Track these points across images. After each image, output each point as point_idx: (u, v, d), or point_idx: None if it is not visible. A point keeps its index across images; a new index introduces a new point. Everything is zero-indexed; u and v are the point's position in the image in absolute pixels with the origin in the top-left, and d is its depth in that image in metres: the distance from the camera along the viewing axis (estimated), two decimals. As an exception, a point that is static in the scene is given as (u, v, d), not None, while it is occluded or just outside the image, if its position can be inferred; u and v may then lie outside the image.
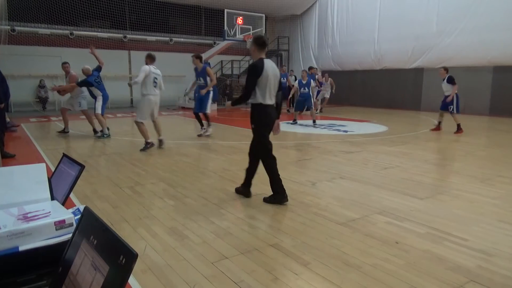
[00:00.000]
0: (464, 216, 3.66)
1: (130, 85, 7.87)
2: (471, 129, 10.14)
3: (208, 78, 8.67)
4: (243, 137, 8.72)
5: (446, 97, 9.16)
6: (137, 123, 6.94)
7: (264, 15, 16.86)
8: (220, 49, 16.37)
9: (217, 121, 11.92)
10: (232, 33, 15.58)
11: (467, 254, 2.82)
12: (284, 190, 4.04)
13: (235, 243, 3.02)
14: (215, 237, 3.14)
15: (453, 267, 2.63)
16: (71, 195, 2.11)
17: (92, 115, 8.80)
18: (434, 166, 5.77)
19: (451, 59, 13.66)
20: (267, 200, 4.08)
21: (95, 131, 8.88)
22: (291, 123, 11.17)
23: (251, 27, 16.09)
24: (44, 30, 15.11)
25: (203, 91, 8.65)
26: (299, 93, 11.27)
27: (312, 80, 13.71)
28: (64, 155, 1.71)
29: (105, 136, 8.48)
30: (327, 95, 15.15)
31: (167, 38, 18.05)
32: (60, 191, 1.57)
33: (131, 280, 2.40)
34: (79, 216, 1.07)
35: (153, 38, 17.75)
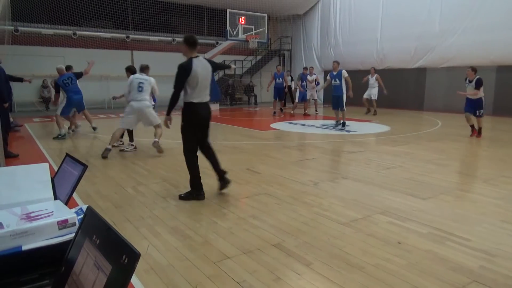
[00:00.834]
0: (467, 216, 3.64)
1: (114, 98, 7.91)
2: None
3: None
4: (245, 137, 8.72)
5: (471, 100, 8.33)
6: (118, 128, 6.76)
7: (266, 15, 16.85)
8: (223, 49, 16.39)
9: (219, 121, 11.93)
10: (234, 33, 15.59)
11: (470, 255, 2.81)
12: (202, 188, 4.17)
13: (237, 243, 3.03)
14: (217, 237, 3.14)
15: (455, 267, 2.62)
16: (74, 195, 2.12)
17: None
18: (436, 166, 5.76)
19: (453, 59, 13.62)
20: (183, 196, 4.15)
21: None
22: (336, 127, 10.22)
23: (253, 27, 16.09)
24: (47, 30, 15.17)
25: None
26: (332, 86, 10.30)
27: (303, 79, 13.86)
28: (67, 155, 1.72)
29: (59, 137, 8.33)
30: (374, 96, 13.95)
31: (170, 38, 18.07)
32: (63, 190, 1.58)
33: (134, 280, 2.41)
34: (82, 216, 1.07)
35: (156, 38, 17.77)
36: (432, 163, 5.97)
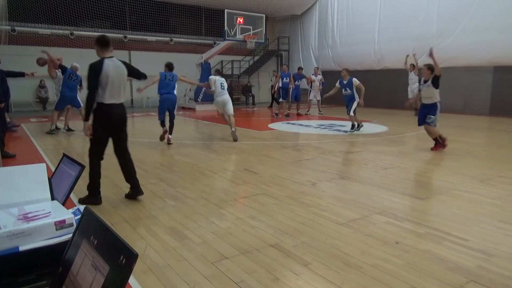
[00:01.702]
0: (464, 216, 3.65)
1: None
2: (471, 129, 10.15)
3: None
4: (244, 137, 8.72)
5: (426, 106, 7.02)
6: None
7: (264, 15, 16.84)
8: (220, 49, 16.37)
9: (217, 121, 11.92)
10: (232, 33, 15.56)
11: (467, 254, 2.82)
12: (99, 193, 4.05)
13: (235, 243, 3.02)
14: (215, 237, 3.14)
15: (453, 267, 2.63)
16: (72, 195, 2.11)
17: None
18: (434, 166, 5.77)
19: (451, 59, 13.65)
20: (81, 200, 3.99)
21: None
22: (354, 131, 9.50)
23: (251, 27, 16.07)
24: (44, 30, 15.12)
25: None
26: (342, 95, 9.56)
27: (300, 79, 13.68)
28: (65, 155, 1.71)
29: (49, 132, 8.90)
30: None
31: (168, 38, 18.05)
32: (60, 191, 1.58)
33: (131, 280, 2.40)
34: (79, 216, 1.07)
35: (153, 38, 17.75)
36: (430, 163, 5.98)
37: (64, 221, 1.16)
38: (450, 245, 2.98)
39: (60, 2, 14.86)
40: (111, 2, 16.00)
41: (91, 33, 16.22)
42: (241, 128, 10.57)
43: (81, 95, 9.05)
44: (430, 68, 6.88)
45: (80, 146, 7.61)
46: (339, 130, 9.85)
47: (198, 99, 15.94)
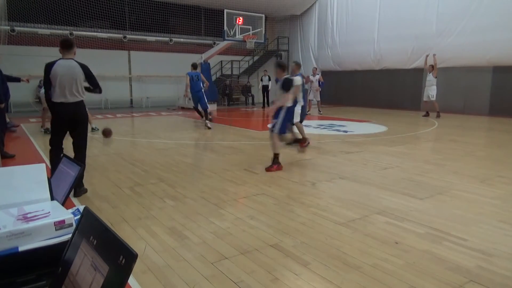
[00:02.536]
0: (464, 216, 3.66)
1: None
2: (471, 129, 10.16)
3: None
4: (243, 137, 8.72)
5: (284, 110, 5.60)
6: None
7: (263, 15, 16.86)
8: (220, 49, 16.38)
9: (217, 121, 11.92)
10: (232, 33, 15.57)
11: (467, 254, 2.82)
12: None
13: (235, 243, 3.02)
14: (215, 237, 3.14)
15: (452, 267, 2.63)
16: (71, 195, 2.12)
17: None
18: (433, 166, 5.77)
19: (450, 59, 13.68)
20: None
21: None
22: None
23: (250, 27, 16.09)
24: (43, 30, 15.12)
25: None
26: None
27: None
28: (64, 155, 1.71)
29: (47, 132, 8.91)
30: (432, 96, 12.72)
31: (167, 38, 18.05)
32: (60, 191, 1.58)
33: (131, 281, 2.40)
34: (79, 217, 1.07)
35: (153, 38, 17.75)
36: (429, 163, 5.99)
37: (63, 221, 1.16)
38: (450, 245, 2.98)
39: (59, 2, 14.86)
40: (110, 2, 16.00)
41: (90, 33, 16.24)
42: (241, 128, 10.58)
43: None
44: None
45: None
46: (338, 130, 9.85)
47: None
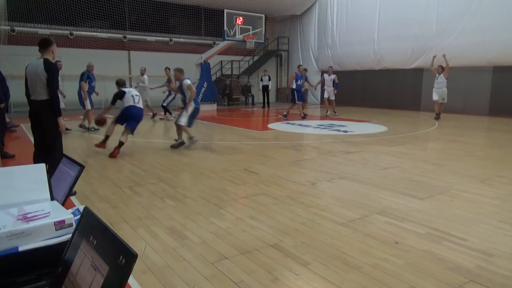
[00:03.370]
0: (464, 216, 3.66)
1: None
2: (470, 129, 10.16)
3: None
4: (243, 137, 8.72)
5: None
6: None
7: (263, 15, 16.86)
8: (220, 50, 16.38)
9: (216, 121, 11.92)
10: (231, 33, 15.57)
11: (467, 254, 2.82)
12: None
13: (235, 243, 3.02)
14: (215, 237, 3.14)
15: (452, 267, 2.63)
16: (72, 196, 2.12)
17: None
18: (433, 166, 5.77)
19: (450, 59, 13.62)
20: None
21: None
22: None
23: (250, 27, 16.09)
24: (43, 30, 15.11)
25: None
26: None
27: (297, 79, 12.59)
28: (64, 155, 1.71)
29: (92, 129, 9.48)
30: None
31: (167, 38, 18.05)
32: (60, 191, 1.57)
33: (131, 281, 2.40)
34: (78, 217, 1.07)
35: (153, 38, 17.75)
36: (429, 163, 5.99)
37: (63, 221, 1.16)
38: (450, 245, 2.98)
39: (59, 2, 14.85)
40: (110, 2, 16.00)
41: (90, 33, 16.24)
42: (241, 128, 10.58)
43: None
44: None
45: (79, 147, 7.61)
46: (338, 130, 9.85)
47: (198, 99, 15.97)
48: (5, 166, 4.76)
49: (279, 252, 2.86)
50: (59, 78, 8.99)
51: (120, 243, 0.83)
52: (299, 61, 20.68)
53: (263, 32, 16.59)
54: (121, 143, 6.48)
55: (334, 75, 13.97)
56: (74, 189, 1.70)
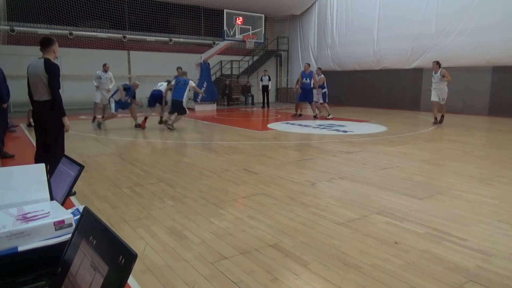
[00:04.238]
0: (463, 216, 3.66)
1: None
2: (470, 129, 10.16)
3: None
4: (243, 137, 8.72)
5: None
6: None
7: (263, 15, 16.86)
8: (220, 50, 16.38)
9: (216, 121, 11.93)
10: (231, 33, 15.57)
11: (466, 254, 2.82)
12: None
13: (235, 243, 3.02)
14: (215, 237, 3.14)
15: (452, 267, 2.63)
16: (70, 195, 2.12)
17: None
18: (433, 166, 5.78)
19: (450, 59, 13.68)
20: None
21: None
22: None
23: (250, 27, 16.09)
24: (43, 30, 15.09)
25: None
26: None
27: (308, 77, 12.45)
28: (64, 155, 1.71)
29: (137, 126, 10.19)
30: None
31: (167, 38, 18.04)
32: (59, 191, 1.57)
33: (131, 281, 2.40)
34: (78, 217, 1.07)
35: (153, 38, 17.74)
36: (429, 163, 5.99)
37: (63, 221, 1.16)
38: (449, 245, 2.98)
39: (59, 2, 14.85)
40: (110, 2, 15.99)
41: (90, 33, 16.23)
42: (240, 128, 10.58)
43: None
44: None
45: (78, 147, 7.60)
46: (338, 130, 9.86)
47: (198, 99, 15.96)
48: (4, 166, 4.76)
49: (279, 252, 2.86)
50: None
51: (120, 243, 0.83)
52: (299, 61, 20.70)
53: (263, 32, 16.59)
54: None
55: (319, 76, 13.04)
56: (74, 189, 1.70)
